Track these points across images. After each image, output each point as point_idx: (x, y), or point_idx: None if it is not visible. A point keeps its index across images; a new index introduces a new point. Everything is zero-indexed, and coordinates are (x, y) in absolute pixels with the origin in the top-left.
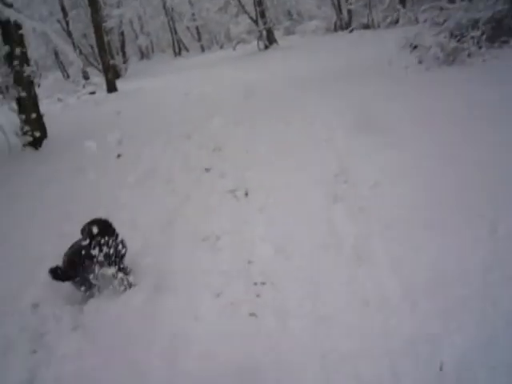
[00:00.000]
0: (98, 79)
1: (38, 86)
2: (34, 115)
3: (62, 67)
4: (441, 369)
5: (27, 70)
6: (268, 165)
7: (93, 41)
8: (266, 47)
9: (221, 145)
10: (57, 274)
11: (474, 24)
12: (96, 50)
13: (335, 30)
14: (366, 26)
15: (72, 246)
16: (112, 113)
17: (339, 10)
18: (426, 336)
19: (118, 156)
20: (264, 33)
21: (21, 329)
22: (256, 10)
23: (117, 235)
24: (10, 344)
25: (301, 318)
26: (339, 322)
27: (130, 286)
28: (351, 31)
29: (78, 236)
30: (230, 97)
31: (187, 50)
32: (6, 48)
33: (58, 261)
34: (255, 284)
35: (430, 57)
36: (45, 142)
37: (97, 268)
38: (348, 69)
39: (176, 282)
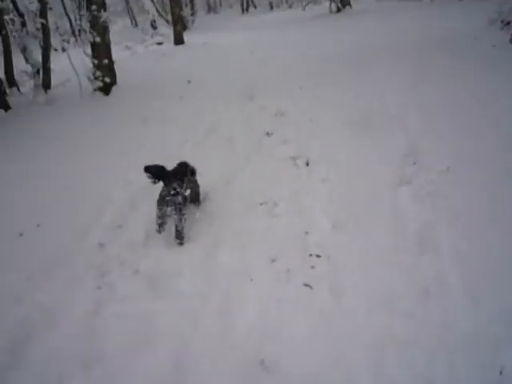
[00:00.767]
0: (166, 30)
1: None
2: (105, 61)
3: (132, 14)
4: (501, 372)
5: (103, 16)
6: (333, 136)
7: None
8: (339, 10)
9: (284, 110)
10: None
11: None
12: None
13: None
14: None
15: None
16: (178, 66)
17: None
18: (486, 336)
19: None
20: None
21: (87, 266)
22: None
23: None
24: (77, 279)
25: (356, 297)
26: (396, 307)
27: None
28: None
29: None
30: (300, 61)
31: (255, 6)
32: None
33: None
34: (310, 255)
35: None
36: (114, 89)
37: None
38: (425, 42)
39: (233, 243)
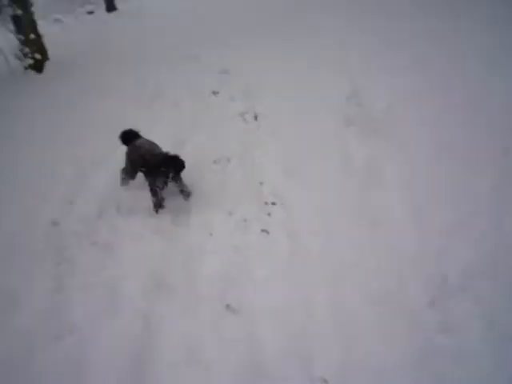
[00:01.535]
0: None
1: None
2: (32, 36)
3: None
4: (446, 280)
5: None
6: (278, 88)
7: None
8: None
9: (228, 67)
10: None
11: None
12: None
13: None
14: None
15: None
16: (114, 35)
17: None
18: (430, 251)
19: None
20: None
21: (44, 245)
22: None
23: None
24: (35, 258)
25: (311, 235)
26: (348, 240)
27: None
28: None
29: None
30: (242, 16)
31: None
32: None
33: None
34: (266, 204)
35: None
36: (47, 65)
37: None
38: None
39: (190, 203)
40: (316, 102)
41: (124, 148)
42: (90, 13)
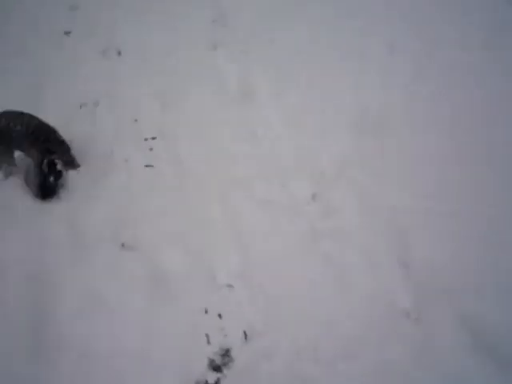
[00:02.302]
0: None
1: None
2: None
3: None
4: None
5: None
6: (140, 21)
7: None
8: None
9: (78, 2)
10: None
11: None
12: None
13: None
14: None
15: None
16: None
17: None
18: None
19: None
20: None
21: None
22: None
23: None
24: None
25: (195, 161)
26: (231, 153)
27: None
28: None
29: None
30: None
31: None
32: None
33: None
34: (146, 140)
35: None
36: None
37: None
38: None
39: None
40: (181, 28)
41: None
42: None
